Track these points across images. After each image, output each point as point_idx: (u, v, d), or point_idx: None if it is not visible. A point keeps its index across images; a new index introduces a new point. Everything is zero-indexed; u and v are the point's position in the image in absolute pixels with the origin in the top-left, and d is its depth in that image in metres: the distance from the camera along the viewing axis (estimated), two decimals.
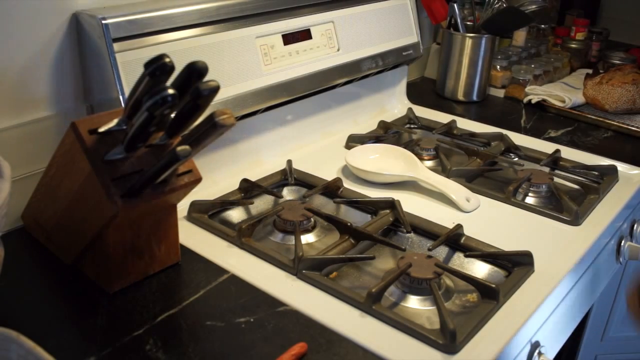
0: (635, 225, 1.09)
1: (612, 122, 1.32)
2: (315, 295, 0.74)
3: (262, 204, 0.97)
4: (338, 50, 1.15)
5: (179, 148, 0.60)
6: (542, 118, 1.38)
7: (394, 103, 1.38)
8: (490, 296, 0.73)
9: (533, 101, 1.43)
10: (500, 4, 1.45)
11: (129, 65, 0.84)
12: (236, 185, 0.98)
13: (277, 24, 1.04)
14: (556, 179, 1.03)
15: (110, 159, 0.67)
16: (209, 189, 0.95)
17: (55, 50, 0.86)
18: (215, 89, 0.61)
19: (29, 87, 0.85)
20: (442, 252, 0.85)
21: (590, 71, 1.56)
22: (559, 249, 0.85)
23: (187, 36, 0.91)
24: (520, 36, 1.67)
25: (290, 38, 1.06)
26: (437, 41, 1.64)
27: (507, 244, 0.84)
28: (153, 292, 0.74)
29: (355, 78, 1.21)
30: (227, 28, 0.97)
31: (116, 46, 0.83)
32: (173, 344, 0.66)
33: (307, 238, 0.87)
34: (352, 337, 0.67)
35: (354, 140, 1.18)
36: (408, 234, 0.88)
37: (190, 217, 0.90)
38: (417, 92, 1.50)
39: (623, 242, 1.04)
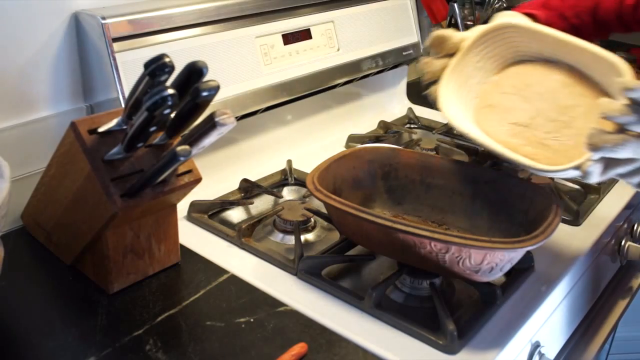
0: (636, 225, 1.09)
1: None
2: (315, 295, 0.74)
3: (262, 204, 0.97)
4: (338, 50, 1.15)
5: (179, 148, 0.60)
6: None
7: (394, 103, 1.38)
8: (490, 296, 0.73)
9: None
10: (500, 3, 1.45)
11: (129, 65, 0.84)
12: (236, 185, 0.98)
13: (277, 24, 1.04)
14: (557, 179, 1.03)
15: (109, 159, 0.67)
16: (209, 189, 0.95)
17: (55, 50, 0.86)
18: (215, 89, 0.61)
19: (28, 87, 0.85)
20: None
21: None
22: (559, 249, 0.85)
23: (187, 36, 0.91)
24: None
25: (290, 38, 1.06)
26: None
27: None
28: (153, 292, 0.74)
29: (355, 78, 1.21)
30: (227, 28, 0.97)
31: (116, 46, 0.83)
32: (173, 344, 0.66)
33: (307, 238, 0.87)
34: (352, 337, 0.67)
35: (354, 140, 1.18)
36: None
37: (190, 217, 0.90)
38: (417, 92, 1.50)
39: (623, 242, 1.04)
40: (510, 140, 0.79)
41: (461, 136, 1.22)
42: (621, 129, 0.62)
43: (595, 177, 0.65)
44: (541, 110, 0.79)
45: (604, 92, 0.75)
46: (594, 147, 0.62)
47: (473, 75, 0.84)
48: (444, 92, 0.83)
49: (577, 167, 0.67)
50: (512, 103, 0.81)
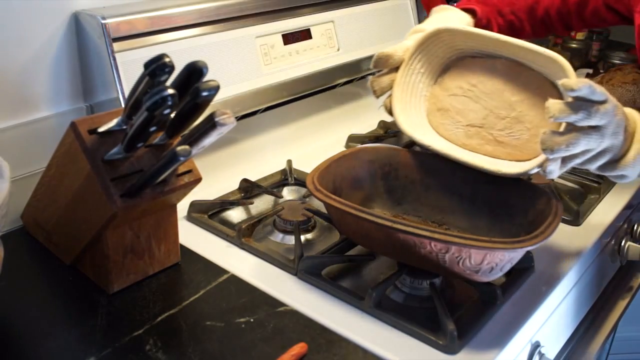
0: (636, 226, 1.09)
1: None
2: (315, 295, 0.74)
3: (262, 204, 0.97)
4: (338, 50, 1.15)
5: (179, 148, 0.60)
6: None
7: None
8: (490, 296, 0.73)
9: None
10: None
11: (129, 65, 0.84)
12: (236, 185, 0.98)
13: (277, 24, 1.04)
14: (556, 179, 1.03)
15: (109, 159, 0.67)
16: (209, 189, 0.95)
17: (55, 50, 0.86)
18: (215, 89, 0.61)
19: (28, 87, 0.85)
20: None
21: (590, 71, 1.56)
22: (559, 249, 0.85)
23: (187, 36, 0.91)
24: None
25: (290, 38, 1.06)
26: None
27: None
28: (153, 292, 0.74)
29: (355, 78, 1.21)
30: (227, 28, 0.97)
31: (116, 46, 0.83)
32: (173, 344, 0.66)
33: (307, 238, 0.87)
34: (352, 337, 0.67)
35: (354, 140, 1.18)
36: None
37: (190, 217, 0.90)
38: None
39: (623, 242, 1.04)
40: (469, 142, 0.82)
41: None
42: (571, 126, 0.64)
43: (556, 173, 0.67)
44: (491, 109, 0.81)
45: (545, 79, 0.76)
46: (548, 152, 0.64)
47: (419, 81, 0.86)
48: (397, 106, 0.85)
49: (538, 166, 0.70)
50: (462, 105, 0.83)
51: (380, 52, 0.84)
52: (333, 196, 0.72)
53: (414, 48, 0.84)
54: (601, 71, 1.52)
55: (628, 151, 0.68)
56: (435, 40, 0.83)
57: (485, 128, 0.81)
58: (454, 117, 0.84)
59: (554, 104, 0.63)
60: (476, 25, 1.00)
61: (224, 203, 0.94)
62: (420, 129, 0.85)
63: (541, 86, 0.76)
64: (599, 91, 0.62)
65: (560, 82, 0.62)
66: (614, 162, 0.69)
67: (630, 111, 0.69)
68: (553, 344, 0.87)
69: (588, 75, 1.47)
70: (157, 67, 0.59)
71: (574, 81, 0.61)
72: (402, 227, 0.65)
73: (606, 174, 0.70)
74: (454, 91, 0.84)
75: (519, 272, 0.78)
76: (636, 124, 0.69)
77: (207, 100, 0.62)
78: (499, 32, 1.03)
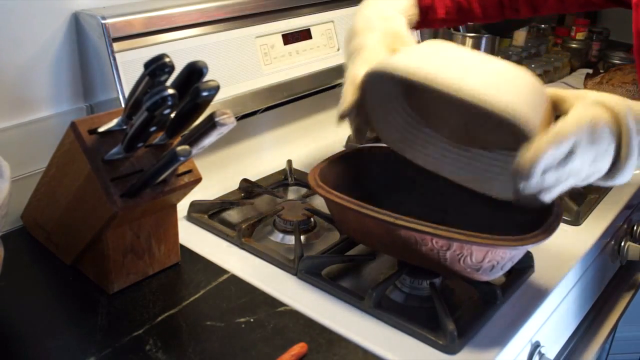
0: (635, 226, 1.09)
1: None
2: (315, 295, 0.74)
3: (262, 204, 0.97)
4: (338, 50, 1.15)
5: (178, 148, 0.60)
6: None
7: None
8: (490, 296, 0.73)
9: None
10: None
11: (129, 65, 0.84)
12: (236, 185, 0.98)
13: (277, 24, 1.04)
14: None
15: (109, 159, 0.67)
16: (209, 189, 0.95)
17: (55, 50, 0.86)
18: (215, 89, 0.61)
19: (28, 87, 0.85)
20: None
21: (590, 71, 1.56)
22: (559, 249, 0.85)
23: (187, 36, 0.91)
24: (520, 36, 1.67)
25: (290, 38, 1.07)
26: None
27: None
28: (153, 292, 0.74)
29: None
30: (227, 28, 0.97)
31: (116, 46, 0.83)
32: (173, 344, 0.66)
33: (307, 238, 0.87)
34: (352, 337, 0.67)
35: (354, 140, 1.18)
36: None
37: (190, 217, 0.90)
38: None
39: (623, 242, 1.04)
40: (463, 142, 0.78)
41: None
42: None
43: (547, 201, 0.63)
44: (465, 121, 0.76)
45: None
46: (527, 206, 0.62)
47: (390, 100, 0.79)
48: (383, 132, 0.80)
49: None
50: (439, 119, 0.78)
51: (342, 110, 0.77)
52: (335, 192, 0.72)
53: (363, 83, 0.75)
54: (601, 71, 1.52)
55: (618, 160, 0.61)
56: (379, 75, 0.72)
57: (470, 135, 0.77)
58: (437, 125, 0.80)
59: (518, 179, 0.57)
60: (420, 6, 0.91)
61: (224, 203, 0.94)
62: (411, 144, 0.81)
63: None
64: (564, 146, 0.55)
65: (512, 171, 0.57)
66: (604, 177, 0.63)
67: (618, 109, 0.60)
68: (553, 344, 0.87)
69: (588, 75, 1.47)
70: (157, 67, 0.59)
71: (527, 163, 0.55)
72: (404, 223, 0.65)
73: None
74: (425, 110, 0.79)
75: (519, 272, 0.78)
76: (621, 129, 0.60)
77: (207, 100, 0.62)
78: (446, 15, 0.97)
